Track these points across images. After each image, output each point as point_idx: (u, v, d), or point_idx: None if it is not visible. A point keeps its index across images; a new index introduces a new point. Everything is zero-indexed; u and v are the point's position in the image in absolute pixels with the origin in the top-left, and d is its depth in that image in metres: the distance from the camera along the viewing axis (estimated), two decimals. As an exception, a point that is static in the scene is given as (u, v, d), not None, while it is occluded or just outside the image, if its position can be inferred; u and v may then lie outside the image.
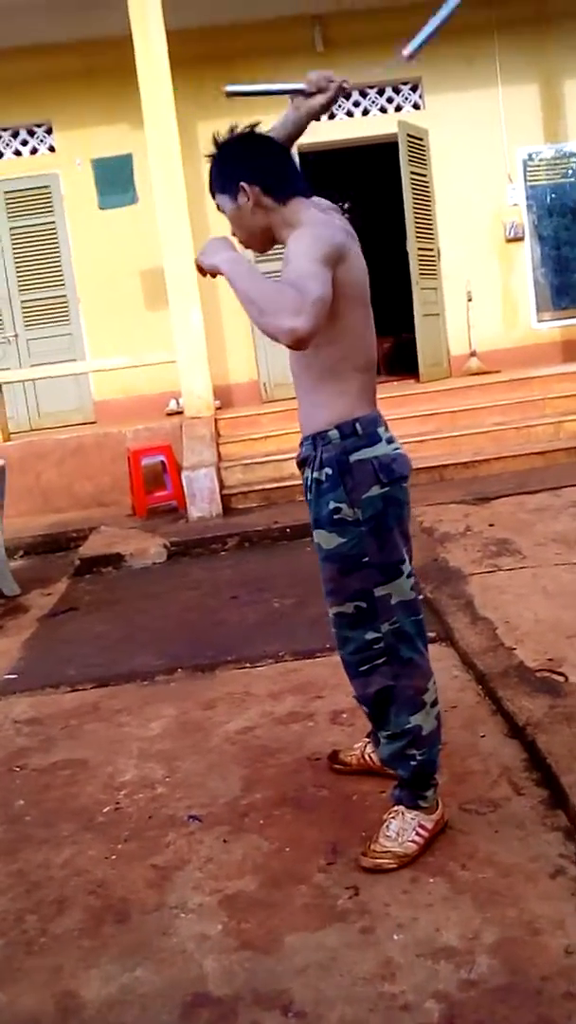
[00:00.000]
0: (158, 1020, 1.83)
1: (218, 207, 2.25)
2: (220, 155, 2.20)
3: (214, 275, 2.07)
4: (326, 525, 2.22)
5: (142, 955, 2.03)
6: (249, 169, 2.16)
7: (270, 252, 2.34)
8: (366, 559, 2.19)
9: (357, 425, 2.18)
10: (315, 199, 2.23)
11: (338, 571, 2.23)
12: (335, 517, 2.19)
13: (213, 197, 2.24)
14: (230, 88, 2.40)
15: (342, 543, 2.20)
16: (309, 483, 2.27)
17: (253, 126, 2.21)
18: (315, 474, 2.23)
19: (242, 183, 2.14)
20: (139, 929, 2.13)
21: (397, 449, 2.25)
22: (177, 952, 2.02)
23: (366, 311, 2.20)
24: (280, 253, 2.09)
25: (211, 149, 2.21)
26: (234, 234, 2.25)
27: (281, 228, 2.17)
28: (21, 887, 2.36)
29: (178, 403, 8.29)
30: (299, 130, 2.41)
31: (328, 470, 2.19)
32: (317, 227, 2.07)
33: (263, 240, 2.22)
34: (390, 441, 2.24)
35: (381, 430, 2.23)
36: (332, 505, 2.19)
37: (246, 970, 1.93)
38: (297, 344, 1.87)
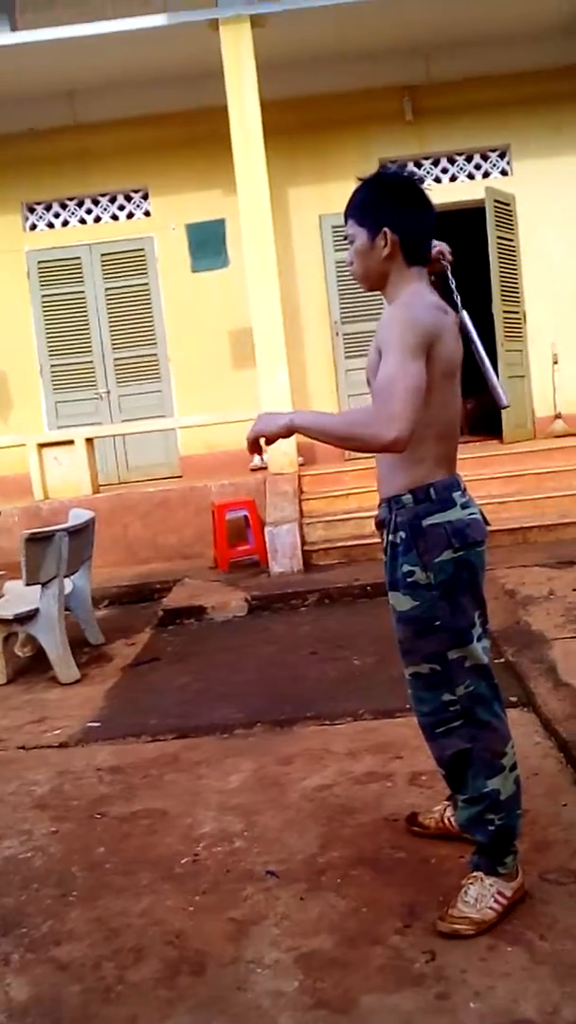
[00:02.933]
0: (232, 1075, 1.84)
1: (347, 235, 2.29)
2: (378, 189, 2.23)
3: (255, 448, 2.20)
4: (400, 588, 2.25)
5: (217, 1008, 2.04)
6: (400, 219, 2.20)
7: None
8: (438, 623, 2.21)
9: (432, 490, 2.21)
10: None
11: (412, 633, 2.26)
12: (408, 580, 2.22)
13: (346, 220, 2.28)
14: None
15: (415, 606, 2.22)
16: (385, 545, 2.32)
17: (419, 181, 2.25)
18: (390, 537, 2.27)
19: (386, 229, 2.19)
20: (215, 982, 2.14)
21: (472, 514, 2.25)
22: (252, 1008, 2.03)
23: (454, 381, 2.22)
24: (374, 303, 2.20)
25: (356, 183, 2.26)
26: (350, 263, 2.30)
27: (395, 285, 2.24)
28: (99, 934, 2.40)
29: (262, 459, 8.39)
30: None
31: (402, 533, 2.23)
32: (412, 307, 2.13)
33: (375, 281, 2.28)
34: (465, 506, 2.25)
35: (457, 495, 2.24)
36: (406, 568, 2.22)
37: (321, 1030, 1.93)
38: (400, 448, 1.99)
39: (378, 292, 2.31)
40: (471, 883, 2.26)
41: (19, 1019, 2.08)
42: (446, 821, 2.65)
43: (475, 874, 2.28)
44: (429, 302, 2.18)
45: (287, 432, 2.15)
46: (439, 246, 2.37)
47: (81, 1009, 2.10)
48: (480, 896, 2.23)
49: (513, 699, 3.78)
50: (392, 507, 2.26)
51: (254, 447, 2.20)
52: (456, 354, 2.22)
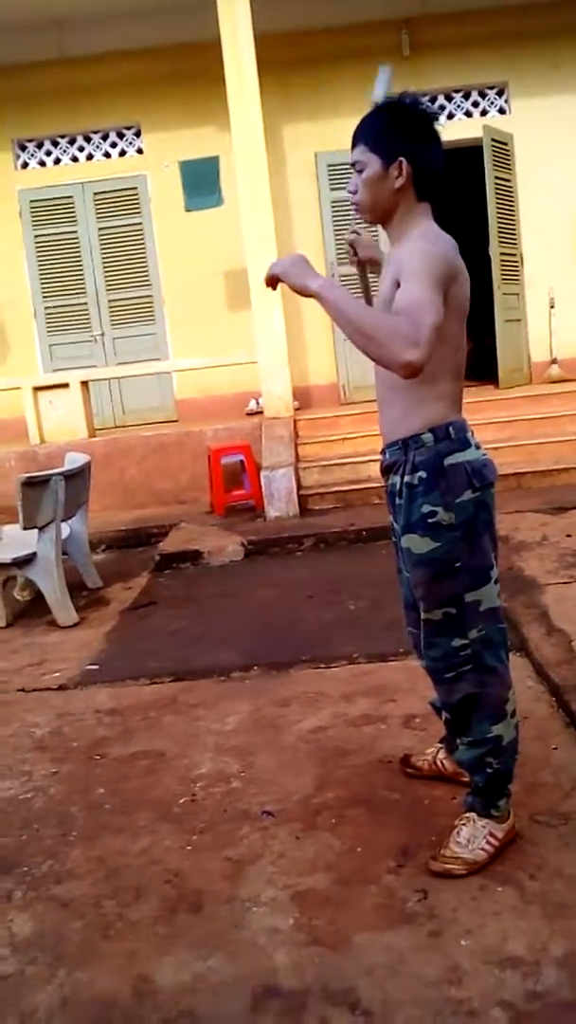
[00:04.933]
0: (229, 1009, 1.89)
1: (355, 162, 2.18)
2: (396, 117, 2.14)
3: (274, 286, 2.14)
4: (419, 529, 2.21)
5: (215, 945, 2.09)
6: (419, 150, 2.13)
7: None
8: (458, 564, 2.19)
9: (451, 429, 2.18)
10: None
11: (431, 576, 2.23)
12: (429, 521, 2.18)
13: (355, 145, 2.17)
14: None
15: (436, 547, 2.19)
16: (398, 488, 2.26)
17: (434, 115, 2.17)
18: (407, 478, 2.22)
19: (402, 158, 2.12)
20: (213, 919, 2.19)
21: (485, 455, 2.24)
22: (249, 944, 2.08)
23: (464, 324, 2.19)
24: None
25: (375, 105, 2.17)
26: (353, 192, 2.20)
27: (402, 220, 2.18)
28: (100, 872, 2.45)
29: (258, 403, 8.40)
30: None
31: (422, 473, 2.18)
32: (437, 242, 2.08)
33: (381, 213, 2.20)
34: (478, 447, 2.24)
35: (470, 435, 2.23)
36: (426, 509, 2.18)
37: (316, 965, 1.98)
38: (411, 374, 1.88)
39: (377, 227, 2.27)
40: (464, 824, 2.31)
41: (23, 952, 2.14)
42: (439, 763, 2.69)
43: (468, 815, 2.32)
44: (449, 242, 2.12)
45: (309, 295, 2.03)
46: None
47: (83, 945, 2.15)
48: (472, 837, 2.27)
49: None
50: (409, 447, 2.21)
51: (271, 282, 2.14)
52: (468, 297, 2.18)
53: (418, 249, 2.05)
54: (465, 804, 2.36)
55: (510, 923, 2.04)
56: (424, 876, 2.25)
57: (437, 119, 2.19)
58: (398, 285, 2.03)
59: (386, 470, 2.33)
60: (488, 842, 2.27)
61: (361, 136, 2.17)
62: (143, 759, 3.14)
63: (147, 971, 2.03)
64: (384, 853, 2.38)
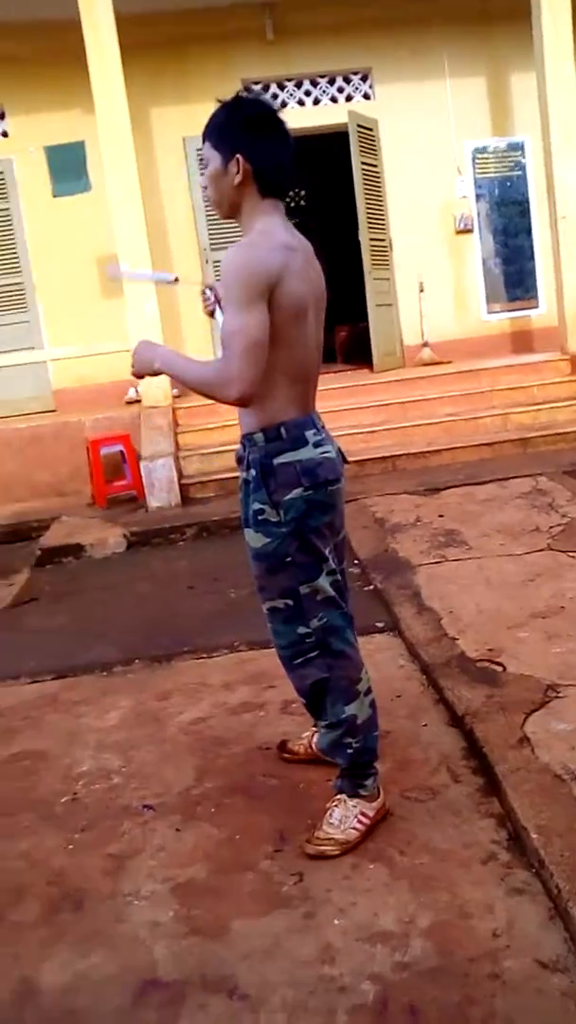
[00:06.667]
0: (111, 1005, 1.93)
1: (202, 158, 2.25)
2: (236, 114, 2.19)
3: (140, 377, 2.34)
4: (252, 525, 2.30)
5: (97, 942, 2.13)
6: (256, 148, 2.17)
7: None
8: (288, 559, 2.28)
9: (282, 429, 2.24)
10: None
11: (265, 569, 2.32)
12: (259, 518, 2.27)
13: (203, 141, 2.24)
14: (111, 271, 2.53)
15: (267, 543, 2.28)
16: (240, 482, 2.37)
17: (278, 110, 2.23)
18: (244, 474, 2.33)
19: (239, 156, 2.16)
20: (94, 917, 2.23)
21: (325, 453, 2.29)
22: (130, 939, 2.12)
23: (306, 321, 2.21)
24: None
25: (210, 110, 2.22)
26: (205, 187, 2.27)
27: (249, 216, 2.24)
28: (-20, 878, 2.45)
29: (136, 391, 8.31)
30: None
31: (254, 471, 2.28)
32: (255, 250, 2.11)
33: (228, 208, 2.27)
34: (318, 445, 2.28)
35: (310, 433, 2.27)
36: (256, 506, 2.27)
37: (194, 955, 2.04)
38: (244, 403, 2.09)
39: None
40: (335, 805, 2.39)
41: None
42: (314, 746, 2.78)
43: (339, 797, 2.41)
44: (275, 243, 2.14)
45: (155, 374, 2.26)
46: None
47: (-36, 951, 2.15)
48: (344, 817, 2.36)
49: (380, 624, 3.96)
50: (246, 445, 2.31)
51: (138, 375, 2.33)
52: (309, 293, 2.20)
53: (231, 262, 2.09)
54: (335, 786, 2.45)
55: (380, 899, 2.14)
56: (300, 859, 2.33)
57: (282, 109, 2.25)
58: None
59: (238, 462, 2.41)
60: (359, 821, 2.36)
61: (205, 133, 2.24)
62: (24, 759, 3.13)
63: (29, 973, 2.05)
64: (262, 839, 2.45)
